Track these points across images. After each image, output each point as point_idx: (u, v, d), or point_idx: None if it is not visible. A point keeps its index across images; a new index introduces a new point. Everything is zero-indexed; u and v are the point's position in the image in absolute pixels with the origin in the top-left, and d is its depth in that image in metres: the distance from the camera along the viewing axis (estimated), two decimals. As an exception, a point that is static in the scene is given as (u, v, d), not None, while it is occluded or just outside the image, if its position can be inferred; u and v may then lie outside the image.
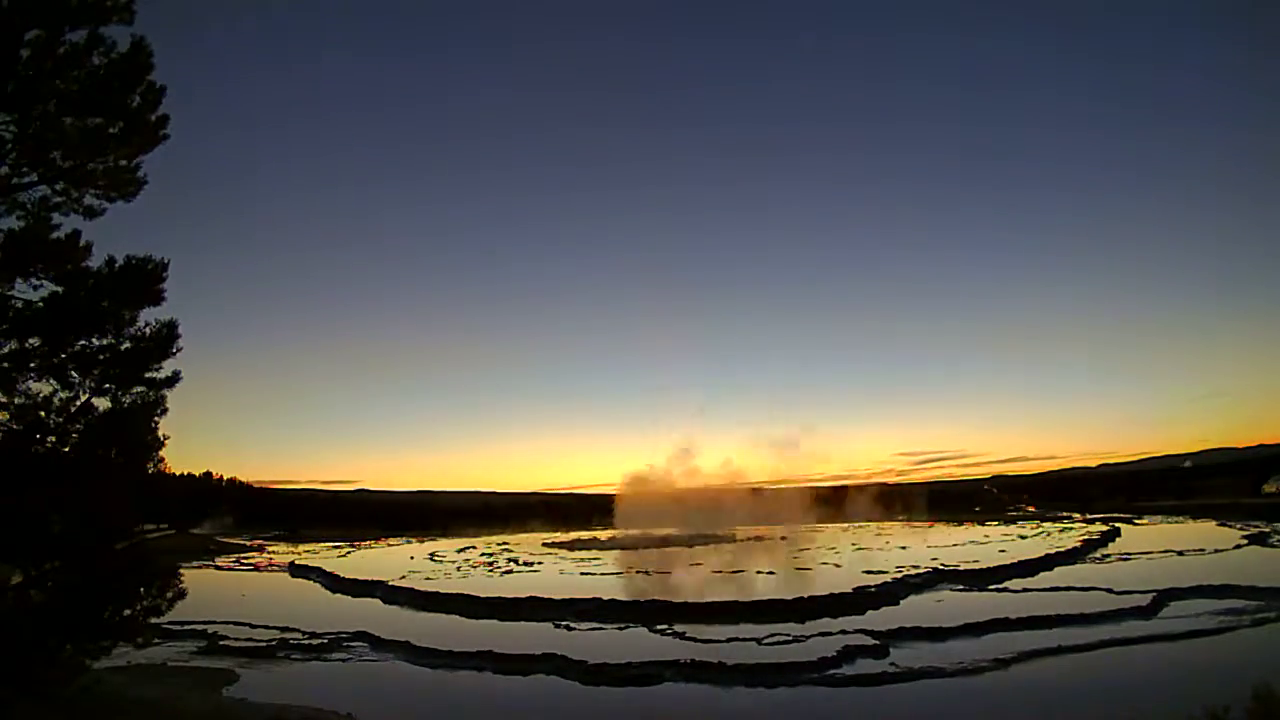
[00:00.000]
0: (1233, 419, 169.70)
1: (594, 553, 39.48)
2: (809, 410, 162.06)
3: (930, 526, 55.23)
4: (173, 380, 8.07)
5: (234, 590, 27.27)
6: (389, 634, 16.18)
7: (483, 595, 20.91)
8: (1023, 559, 25.78)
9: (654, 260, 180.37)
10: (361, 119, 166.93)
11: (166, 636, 15.98)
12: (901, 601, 19.09)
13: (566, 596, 19.83)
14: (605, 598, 19.60)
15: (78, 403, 7.60)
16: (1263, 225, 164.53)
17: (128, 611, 8.20)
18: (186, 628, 17.05)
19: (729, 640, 14.79)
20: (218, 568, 37.68)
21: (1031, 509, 76.92)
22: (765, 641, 14.53)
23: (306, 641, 16.29)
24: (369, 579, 26.49)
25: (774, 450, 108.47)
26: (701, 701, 11.69)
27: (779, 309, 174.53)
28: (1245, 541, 31.79)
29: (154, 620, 8.53)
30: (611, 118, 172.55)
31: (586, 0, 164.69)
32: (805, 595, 18.39)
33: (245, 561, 40.84)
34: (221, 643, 16.37)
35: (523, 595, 20.28)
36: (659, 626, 16.50)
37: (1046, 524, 51.80)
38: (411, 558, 39.29)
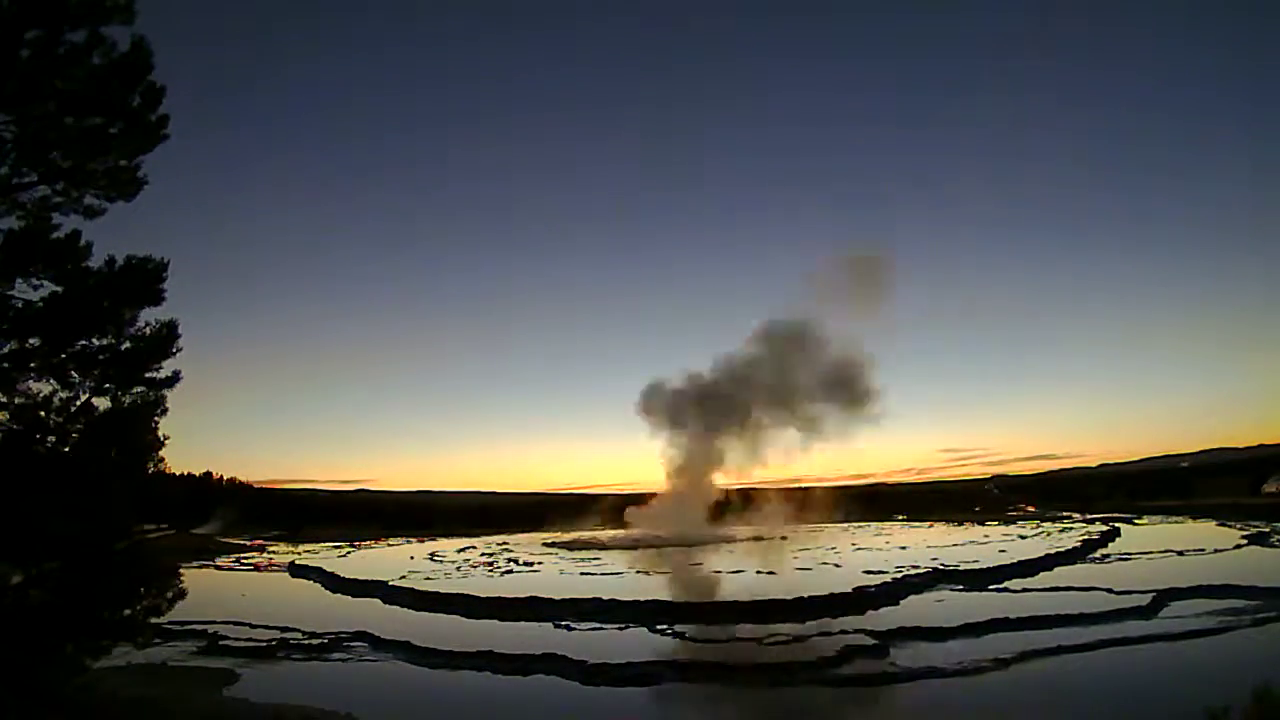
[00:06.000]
0: (1233, 419, 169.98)
1: (594, 553, 39.44)
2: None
3: (930, 526, 55.20)
4: (173, 380, 8.06)
5: (234, 590, 27.24)
6: (389, 634, 16.18)
7: (483, 595, 20.90)
8: (1023, 559, 25.74)
9: (657, 260, 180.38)
10: (363, 117, 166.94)
11: (166, 636, 15.94)
12: (901, 601, 19.07)
13: (566, 596, 19.80)
14: (605, 598, 19.56)
15: (78, 403, 7.60)
16: (1263, 225, 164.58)
17: (128, 611, 8.19)
18: (186, 628, 17.01)
19: (729, 640, 14.80)
20: (218, 568, 37.65)
21: (1031, 509, 76.89)
22: (765, 641, 14.53)
23: (306, 641, 16.29)
24: (369, 579, 26.47)
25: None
26: (701, 701, 11.71)
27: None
28: (1245, 541, 31.75)
29: (154, 620, 8.53)
30: (614, 115, 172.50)
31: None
32: (805, 595, 18.35)
33: (245, 561, 40.80)
34: (221, 643, 16.37)
35: (523, 595, 20.27)
36: (659, 626, 16.49)
37: (1046, 524, 51.75)
38: (411, 558, 39.22)
